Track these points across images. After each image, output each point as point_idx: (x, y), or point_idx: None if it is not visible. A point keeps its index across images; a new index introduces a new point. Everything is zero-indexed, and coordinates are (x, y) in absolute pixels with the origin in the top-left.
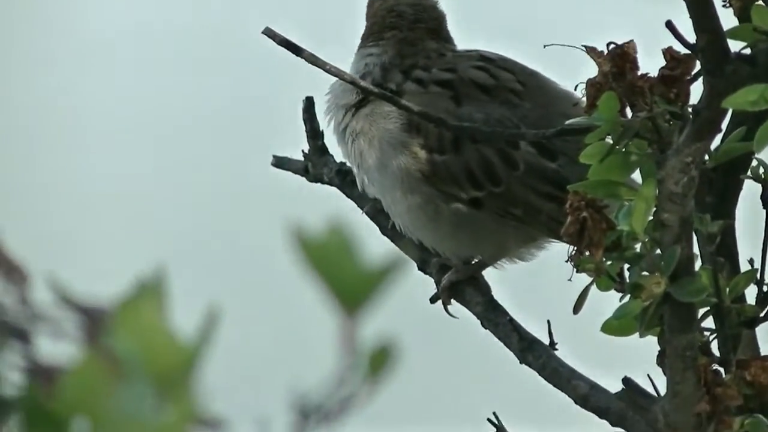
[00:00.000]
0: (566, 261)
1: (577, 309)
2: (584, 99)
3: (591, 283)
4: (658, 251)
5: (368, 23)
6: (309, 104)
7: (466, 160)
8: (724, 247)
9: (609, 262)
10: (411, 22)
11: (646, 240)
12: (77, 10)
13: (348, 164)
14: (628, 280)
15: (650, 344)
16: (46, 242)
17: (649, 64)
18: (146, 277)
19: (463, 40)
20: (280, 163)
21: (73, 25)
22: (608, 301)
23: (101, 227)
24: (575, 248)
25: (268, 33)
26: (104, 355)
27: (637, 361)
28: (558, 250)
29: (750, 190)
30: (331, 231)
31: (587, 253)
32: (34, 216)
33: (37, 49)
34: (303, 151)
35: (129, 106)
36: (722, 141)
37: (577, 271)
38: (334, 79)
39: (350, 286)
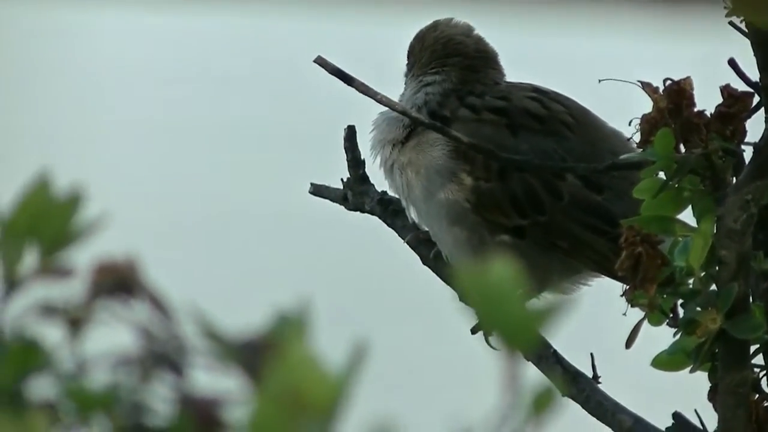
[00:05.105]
0: (621, 295)
1: (629, 344)
2: (635, 136)
3: (643, 318)
4: (713, 287)
5: (423, 55)
6: (350, 133)
7: (511, 188)
8: None
9: (663, 297)
10: (473, 50)
11: (702, 276)
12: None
13: (393, 195)
14: (681, 316)
15: (692, 379)
16: (185, 277)
17: (702, 100)
18: (290, 309)
19: (516, 76)
20: (318, 191)
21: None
22: (649, 336)
23: (240, 255)
24: (630, 283)
25: (320, 62)
26: (273, 389)
27: (680, 397)
28: (600, 283)
29: None
30: (496, 268)
31: (641, 289)
32: (171, 248)
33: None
34: (342, 179)
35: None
36: None
37: (631, 306)
38: (381, 108)
39: (515, 325)
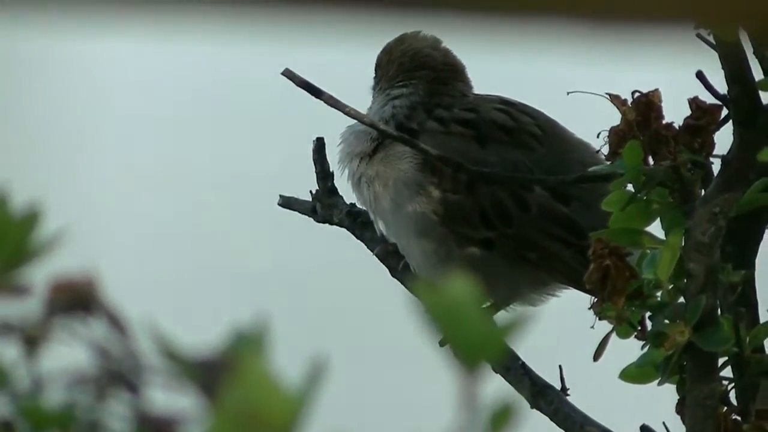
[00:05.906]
0: (589, 308)
1: (597, 356)
2: (604, 148)
3: (612, 331)
4: (682, 300)
5: (390, 68)
6: (319, 145)
7: (479, 200)
8: (744, 297)
9: (631, 309)
10: (441, 63)
11: (670, 288)
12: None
13: (361, 207)
14: (649, 329)
15: (660, 392)
16: (144, 294)
17: (671, 113)
18: (246, 327)
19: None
20: (287, 203)
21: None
22: (618, 348)
23: (200, 276)
24: (598, 296)
25: (288, 74)
26: (231, 408)
27: (649, 409)
28: (569, 295)
29: None
30: (456, 284)
31: (609, 301)
32: (128, 263)
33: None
34: (311, 191)
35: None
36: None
37: (599, 319)
38: (350, 121)
39: (478, 340)
